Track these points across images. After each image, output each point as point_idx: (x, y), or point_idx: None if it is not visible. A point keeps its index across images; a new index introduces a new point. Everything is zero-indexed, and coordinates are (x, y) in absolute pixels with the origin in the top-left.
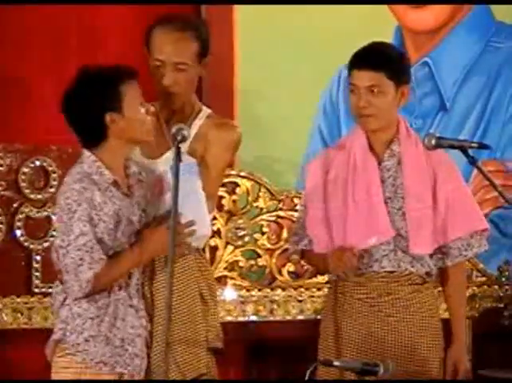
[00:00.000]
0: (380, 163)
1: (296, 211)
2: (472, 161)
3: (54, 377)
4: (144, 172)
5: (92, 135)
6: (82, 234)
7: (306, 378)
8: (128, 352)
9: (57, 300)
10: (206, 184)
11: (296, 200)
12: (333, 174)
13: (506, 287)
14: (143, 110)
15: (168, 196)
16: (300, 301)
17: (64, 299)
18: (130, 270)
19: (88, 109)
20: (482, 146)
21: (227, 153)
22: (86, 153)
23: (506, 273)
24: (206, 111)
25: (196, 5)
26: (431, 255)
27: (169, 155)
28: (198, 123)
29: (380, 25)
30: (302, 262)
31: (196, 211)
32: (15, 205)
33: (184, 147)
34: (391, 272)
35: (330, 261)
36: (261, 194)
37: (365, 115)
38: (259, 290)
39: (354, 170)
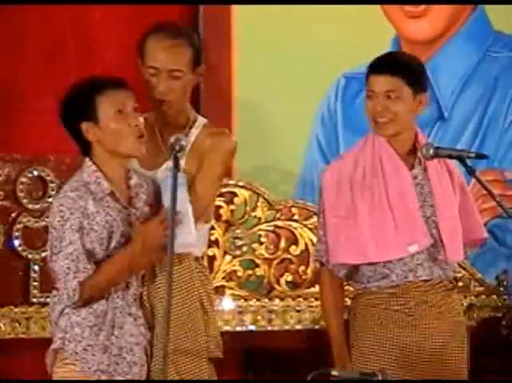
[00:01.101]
0: (409, 171)
1: (294, 220)
2: (470, 171)
3: None
4: (146, 184)
5: (78, 143)
6: (71, 243)
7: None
8: (126, 360)
9: (55, 310)
10: (203, 193)
11: (294, 210)
12: (357, 182)
13: (504, 297)
14: (129, 121)
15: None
16: (298, 311)
17: (63, 309)
18: (120, 272)
19: (66, 117)
20: (480, 156)
21: (223, 163)
22: (88, 162)
23: (504, 282)
24: (201, 120)
25: (194, 10)
26: None
27: (165, 166)
28: (194, 132)
29: (377, 36)
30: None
31: (181, 218)
32: (13, 215)
33: (182, 157)
34: (426, 281)
35: None
36: (259, 204)
37: (382, 121)
38: (257, 299)
39: (384, 178)
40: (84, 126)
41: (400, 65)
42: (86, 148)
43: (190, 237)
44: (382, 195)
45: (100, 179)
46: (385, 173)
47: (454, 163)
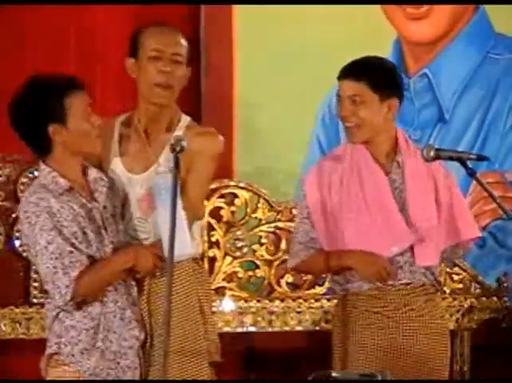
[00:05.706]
0: (386, 175)
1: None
2: (471, 173)
3: None
4: (106, 177)
5: (38, 145)
6: (49, 243)
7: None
8: (120, 365)
9: (49, 317)
10: (192, 194)
11: (295, 211)
12: (338, 186)
13: (505, 299)
14: (92, 120)
15: (158, 212)
16: (298, 312)
17: (57, 314)
18: (114, 274)
19: (32, 120)
20: (481, 158)
21: (212, 162)
22: (42, 166)
23: (505, 284)
24: (185, 119)
25: (196, 10)
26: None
27: (153, 169)
28: (179, 133)
29: (378, 38)
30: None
31: (177, 230)
32: (13, 215)
33: (168, 159)
34: (407, 284)
35: (359, 267)
36: (259, 205)
37: (349, 125)
38: (258, 301)
39: (361, 183)
40: (51, 128)
41: (365, 70)
42: (43, 150)
43: (186, 248)
44: (360, 201)
45: (56, 177)
46: (362, 178)
47: (439, 166)
